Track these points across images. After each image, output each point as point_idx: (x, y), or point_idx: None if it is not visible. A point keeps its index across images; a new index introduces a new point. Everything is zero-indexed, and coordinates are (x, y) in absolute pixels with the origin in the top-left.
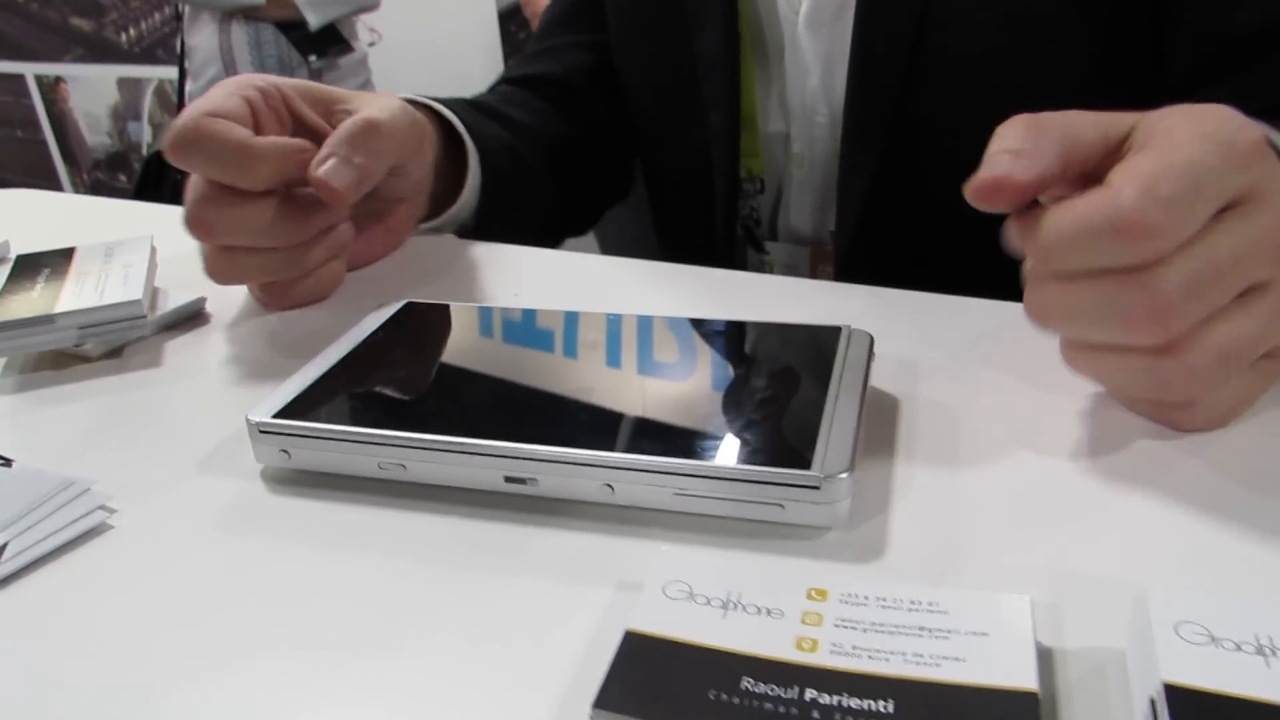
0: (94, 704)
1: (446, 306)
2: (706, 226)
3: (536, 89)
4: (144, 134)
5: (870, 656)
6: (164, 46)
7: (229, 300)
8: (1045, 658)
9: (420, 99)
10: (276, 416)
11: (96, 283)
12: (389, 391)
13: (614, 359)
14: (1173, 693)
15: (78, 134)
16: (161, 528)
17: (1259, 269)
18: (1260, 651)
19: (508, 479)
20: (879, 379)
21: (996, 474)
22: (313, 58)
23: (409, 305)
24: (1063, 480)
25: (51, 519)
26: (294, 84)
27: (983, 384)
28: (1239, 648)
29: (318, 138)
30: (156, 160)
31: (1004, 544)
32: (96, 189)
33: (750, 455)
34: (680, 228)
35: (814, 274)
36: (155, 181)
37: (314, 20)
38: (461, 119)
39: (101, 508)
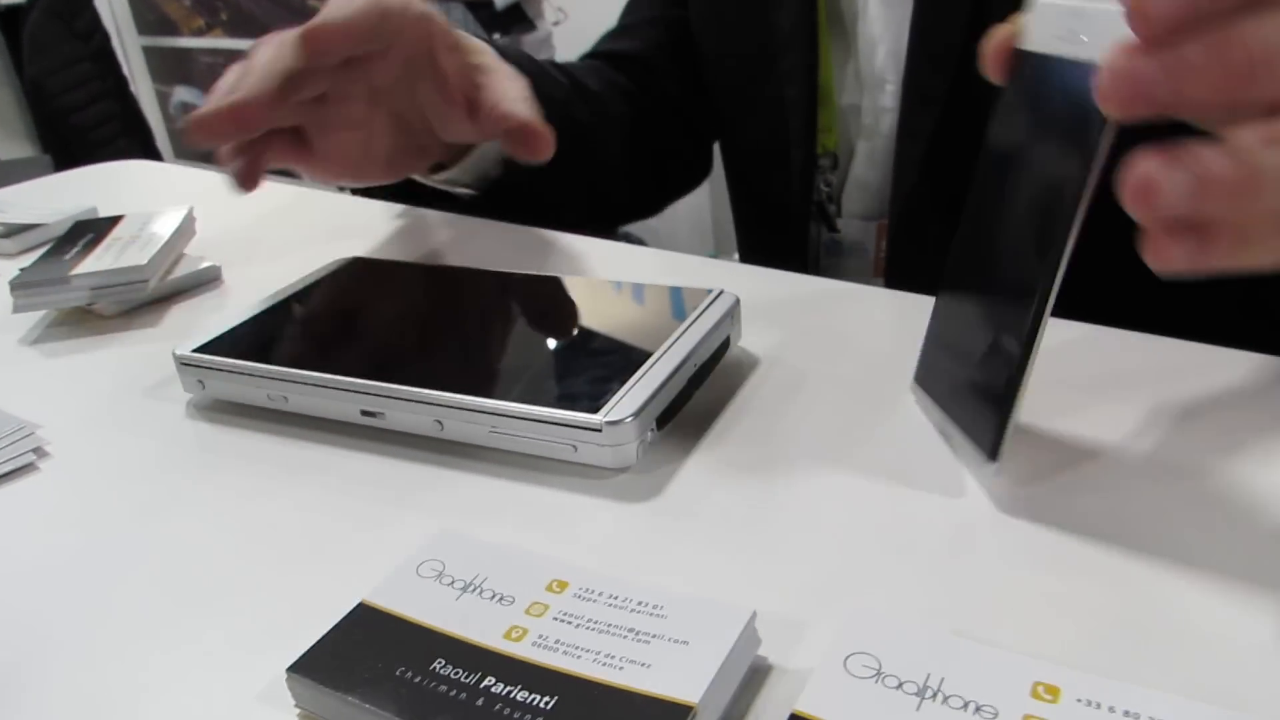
0: None
1: (384, 263)
2: (784, 205)
3: (618, 65)
4: None
5: (565, 652)
6: None
7: (245, 270)
8: (759, 674)
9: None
10: (196, 351)
11: (122, 248)
12: (289, 334)
13: (487, 312)
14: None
15: None
16: (88, 460)
17: None
18: (920, 692)
19: (363, 412)
20: (753, 342)
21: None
22: (496, 35)
23: (355, 260)
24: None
25: None
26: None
27: (856, 360)
28: (900, 685)
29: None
30: None
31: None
32: None
33: (553, 400)
34: (758, 207)
35: (878, 250)
36: None
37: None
38: (516, 61)
39: (33, 450)
